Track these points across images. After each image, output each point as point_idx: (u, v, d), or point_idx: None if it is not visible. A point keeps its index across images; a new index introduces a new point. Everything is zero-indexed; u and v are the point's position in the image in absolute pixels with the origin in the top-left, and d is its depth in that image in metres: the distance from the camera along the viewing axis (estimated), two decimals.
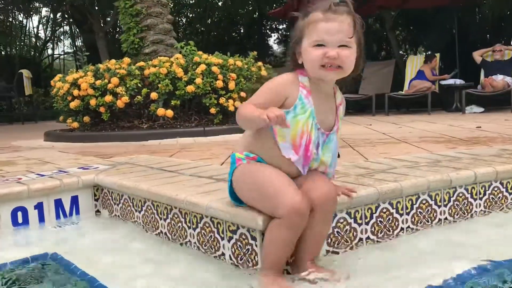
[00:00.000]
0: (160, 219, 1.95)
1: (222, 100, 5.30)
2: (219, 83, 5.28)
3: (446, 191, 1.89)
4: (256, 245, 1.51)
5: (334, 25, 1.38)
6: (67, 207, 2.22)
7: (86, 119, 5.55)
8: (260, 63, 5.97)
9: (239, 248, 1.58)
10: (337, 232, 1.66)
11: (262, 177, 1.44)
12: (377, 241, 1.74)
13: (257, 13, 17.03)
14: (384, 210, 1.77)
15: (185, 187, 1.90)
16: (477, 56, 8.40)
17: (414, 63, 9.49)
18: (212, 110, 5.32)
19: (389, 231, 1.79)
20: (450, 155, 2.39)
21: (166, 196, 1.85)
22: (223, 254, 1.65)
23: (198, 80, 5.21)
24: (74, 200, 2.23)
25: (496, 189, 2.01)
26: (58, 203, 2.19)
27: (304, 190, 1.42)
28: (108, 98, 5.16)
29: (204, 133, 5.15)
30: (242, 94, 5.45)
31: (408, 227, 1.82)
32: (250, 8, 17.05)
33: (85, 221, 2.23)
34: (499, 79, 7.84)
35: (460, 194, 1.93)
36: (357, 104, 10.17)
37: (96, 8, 12.99)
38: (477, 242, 1.71)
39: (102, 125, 5.52)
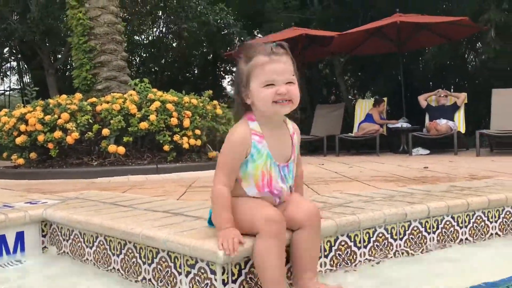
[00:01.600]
0: (113, 254, 1.86)
1: (176, 137, 5.26)
2: (174, 121, 5.25)
3: (401, 224, 1.93)
4: (215, 279, 1.47)
5: (280, 66, 1.52)
6: (11, 244, 2.08)
7: (33, 155, 5.33)
8: (215, 102, 6.00)
9: (198, 283, 1.53)
10: None
11: (240, 206, 1.56)
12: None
13: (211, 55, 17.26)
14: (343, 243, 1.77)
15: (140, 221, 1.83)
16: (422, 100, 8.83)
17: (363, 107, 9.84)
18: (166, 148, 5.25)
19: (347, 264, 1.79)
20: (404, 191, 2.45)
21: (120, 230, 1.78)
22: None
23: (152, 117, 5.16)
24: (20, 236, 2.10)
25: (448, 223, 2.07)
26: (2, 240, 2.05)
27: (290, 213, 1.55)
28: (58, 134, 5.00)
29: (157, 171, 5.06)
30: (197, 131, 5.43)
31: (366, 259, 1.83)
32: (204, 50, 17.26)
33: (31, 258, 2.10)
34: (443, 123, 8.24)
35: (415, 228, 1.97)
36: (309, 145, 10.37)
37: (47, 44, 12.75)
38: (433, 274, 1.74)
39: (50, 162, 5.31)
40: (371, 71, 13.48)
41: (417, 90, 10.10)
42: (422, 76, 12.37)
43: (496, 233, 2.20)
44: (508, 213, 2.24)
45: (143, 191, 3.48)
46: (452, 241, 2.07)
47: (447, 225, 2.06)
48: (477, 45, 11.94)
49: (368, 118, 9.33)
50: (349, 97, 14.94)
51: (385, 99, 9.60)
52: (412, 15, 9.06)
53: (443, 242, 2.05)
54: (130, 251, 1.78)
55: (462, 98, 8.54)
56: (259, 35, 15.22)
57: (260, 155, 1.55)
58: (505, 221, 2.24)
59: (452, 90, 10.73)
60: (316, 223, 1.57)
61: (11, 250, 2.08)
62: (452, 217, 2.07)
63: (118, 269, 1.84)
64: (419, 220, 1.98)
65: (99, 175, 4.87)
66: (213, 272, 1.47)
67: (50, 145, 5.08)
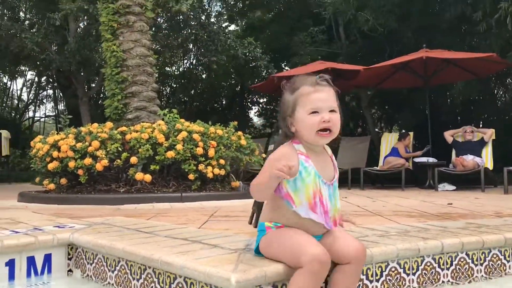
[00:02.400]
0: (133, 279, 1.95)
1: (201, 166, 5.38)
2: (199, 150, 5.39)
3: (414, 259, 1.96)
4: None
5: (323, 95, 1.65)
6: (39, 265, 2.19)
7: (63, 181, 5.53)
8: (240, 133, 6.13)
9: None
10: None
11: (289, 237, 1.63)
12: None
13: (239, 86, 17.59)
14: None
15: (160, 247, 1.92)
16: (448, 136, 8.77)
17: (388, 140, 9.81)
18: (191, 176, 5.37)
19: None
20: (419, 226, 2.47)
21: (140, 256, 1.87)
22: None
23: (179, 146, 5.31)
24: (47, 258, 2.21)
25: (462, 259, 2.08)
26: (31, 261, 2.17)
27: (339, 249, 1.63)
28: (88, 160, 5.19)
29: (181, 199, 5.17)
30: (221, 161, 5.55)
31: None
32: (233, 82, 17.62)
33: (56, 281, 2.20)
34: (469, 159, 8.13)
35: (428, 263, 1.99)
36: None
37: (82, 74, 13.28)
38: None
39: (79, 188, 5.49)
40: (397, 105, 13.47)
41: (444, 124, 10.04)
42: (450, 110, 12.29)
43: None
44: None
45: (166, 219, 3.58)
46: (466, 278, 2.08)
47: (461, 262, 2.07)
48: (507, 80, 11.84)
49: (394, 152, 9.28)
50: (376, 130, 14.92)
51: (411, 133, 9.56)
52: (438, 50, 9.09)
53: (457, 278, 2.06)
54: (149, 276, 1.86)
55: (489, 133, 8.43)
56: (286, 68, 15.46)
57: (308, 173, 1.65)
58: None
59: (481, 126, 10.60)
60: (362, 261, 1.66)
61: (39, 272, 2.19)
62: (467, 254, 2.09)
63: None
64: (432, 256, 2.00)
65: (126, 201, 5.00)
66: None
67: (80, 172, 5.27)
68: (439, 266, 2.02)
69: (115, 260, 2.05)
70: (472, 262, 2.10)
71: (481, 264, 2.12)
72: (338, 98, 1.70)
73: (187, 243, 2.03)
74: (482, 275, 2.12)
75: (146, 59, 6.58)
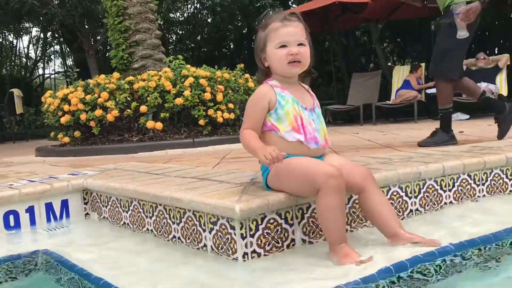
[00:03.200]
0: (146, 217, 2.04)
1: (210, 111, 5.42)
2: (207, 95, 5.40)
3: (416, 183, 2.01)
4: (235, 234, 1.61)
5: (291, 29, 1.73)
6: (57, 211, 2.30)
7: (77, 133, 5.63)
8: (247, 75, 6.10)
9: (220, 238, 1.68)
10: (312, 221, 1.77)
11: (297, 165, 1.65)
12: (350, 231, 1.85)
13: (246, 29, 17.27)
14: (357, 202, 1.87)
15: (169, 186, 2.00)
16: None
17: (400, 73, 9.68)
18: (201, 122, 5.43)
19: (362, 220, 1.89)
20: (423, 152, 2.51)
21: (151, 194, 1.95)
22: (205, 245, 1.75)
23: (187, 93, 5.32)
24: (64, 204, 2.32)
25: (464, 181, 2.12)
26: (49, 207, 2.28)
27: (345, 177, 1.61)
28: (98, 112, 5.26)
29: (193, 144, 5.25)
30: (230, 105, 5.57)
31: None
32: (239, 24, 17.29)
33: (75, 224, 2.32)
34: (483, 86, 8.01)
35: (430, 186, 2.04)
36: (346, 115, 10.33)
37: (86, 27, 13.16)
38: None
39: (93, 139, 5.60)
40: (409, 37, 13.15)
41: None
42: None
43: None
44: None
45: (180, 163, 3.66)
46: (469, 198, 2.13)
47: (463, 183, 2.12)
48: None
49: (406, 84, 9.18)
50: (389, 64, 14.66)
51: (423, 64, 9.39)
52: None
53: (460, 199, 2.11)
54: (161, 212, 1.95)
55: (504, 60, 8.26)
56: (293, 5, 15.07)
57: (286, 101, 1.73)
58: None
59: (495, 53, 10.35)
60: (373, 182, 1.68)
61: (58, 216, 2.31)
62: (469, 175, 2.12)
63: (151, 230, 2.02)
64: (434, 179, 2.04)
65: (140, 150, 5.10)
66: (233, 228, 1.62)
67: (92, 123, 5.36)
68: (441, 188, 2.07)
69: (128, 201, 2.14)
70: (474, 182, 2.15)
71: (483, 184, 2.17)
72: (308, 34, 1.77)
73: (195, 180, 2.10)
74: (484, 195, 2.17)
75: (147, 5, 6.48)
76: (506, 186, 2.23)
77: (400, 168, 1.98)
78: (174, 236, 1.90)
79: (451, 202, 2.09)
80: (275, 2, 12.96)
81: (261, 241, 1.65)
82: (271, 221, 1.68)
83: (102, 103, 5.30)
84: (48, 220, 2.28)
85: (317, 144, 1.74)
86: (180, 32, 17.70)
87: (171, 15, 16.87)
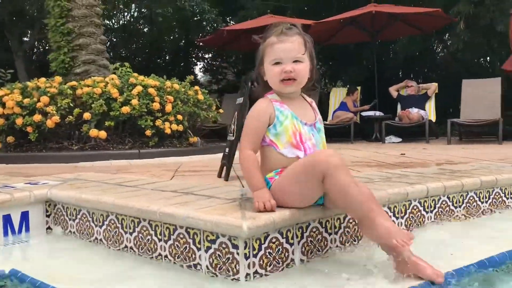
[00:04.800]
0: (125, 233, 1.88)
1: (158, 122, 5.23)
2: (156, 105, 5.22)
3: (402, 203, 2.03)
4: (237, 253, 1.52)
5: (287, 45, 1.66)
6: (16, 224, 2.07)
7: (10, 139, 5.20)
8: (197, 87, 5.99)
9: (218, 258, 1.58)
10: (310, 241, 1.72)
11: (293, 167, 1.62)
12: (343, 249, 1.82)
13: (183, 41, 17.06)
14: (351, 221, 1.85)
15: (153, 199, 1.86)
16: (393, 91, 9.08)
17: (337, 95, 10.00)
18: (148, 132, 5.22)
19: (355, 240, 1.87)
20: (398, 173, 2.56)
21: (135, 208, 1.80)
22: (199, 264, 1.63)
23: (134, 102, 5.11)
24: (25, 216, 2.09)
25: (444, 202, 2.18)
26: (7, 219, 2.04)
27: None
28: (37, 117, 4.89)
29: (139, 156, 5.03)
30: (179, 117, 5.41)
31: None
32: (176, 36, 17.04)
33: (36, 238, 2.09)
34: (414, 112, 8.48)
35: (415, 207, 2.07)
36: None
37: (18, 26, 12.33)
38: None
39: (28, 146, 5.20)
40: (343, 61, 13.64)
41: (388, 80, 10.33)
42: (393, 66, 12.64)
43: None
44: (497, 193, 2.37)
45: (130, 175, 3.47)
46: (448, 219, 2.19)
47: (443, 204, 2.17)
48: (445, 37, 12.26)
49: (343, 106, 9.49)
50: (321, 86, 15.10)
51: (359, 88, 9.77)
52: (386, 5, 9.23)
53: (440, 220, 2.17)
54: (144, 228, 1.81)
55: (433, 88, 8.79)
56: (232, 22, 15.15)
57: (285, 116, 1.69)
58: (494, 201, 2.37)
59: (420, 81, 11.01)
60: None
61: (16, 230, 2.07)
62: (448, 197, 2.19)
63: (131, 247, 1.86)
64: (418, 200, 2.08)
65: (81, 159, 4.80)
66: (235, 247, 1.52)
67: (29, 129, 4.97)
68: (424, 209, 2.11)
69: (102, 214, 1.97)
70: (453, 204, 2.21)
71: (460, 206, 2.24)
72: (311, 46, 1.71)
73: (178, 194, 1.98)
74: (462, 216, 2.24)
75: (93, 9, 6.18)
76: (479, 208, 2.32)
77: (389, 188, 1.99)
78: (160, 255, 1.76)
79: (432, 222, 2.14)
80: (218, 18, 12.93)
81: (263, 261, 1.57)
82: (273, 240, 1.61)
83: (41, 107, 4.94)
84: (5, 234, 2.03)
85: None
86: (115, 39, 17.12)
87: (106, 21, 16.30)
